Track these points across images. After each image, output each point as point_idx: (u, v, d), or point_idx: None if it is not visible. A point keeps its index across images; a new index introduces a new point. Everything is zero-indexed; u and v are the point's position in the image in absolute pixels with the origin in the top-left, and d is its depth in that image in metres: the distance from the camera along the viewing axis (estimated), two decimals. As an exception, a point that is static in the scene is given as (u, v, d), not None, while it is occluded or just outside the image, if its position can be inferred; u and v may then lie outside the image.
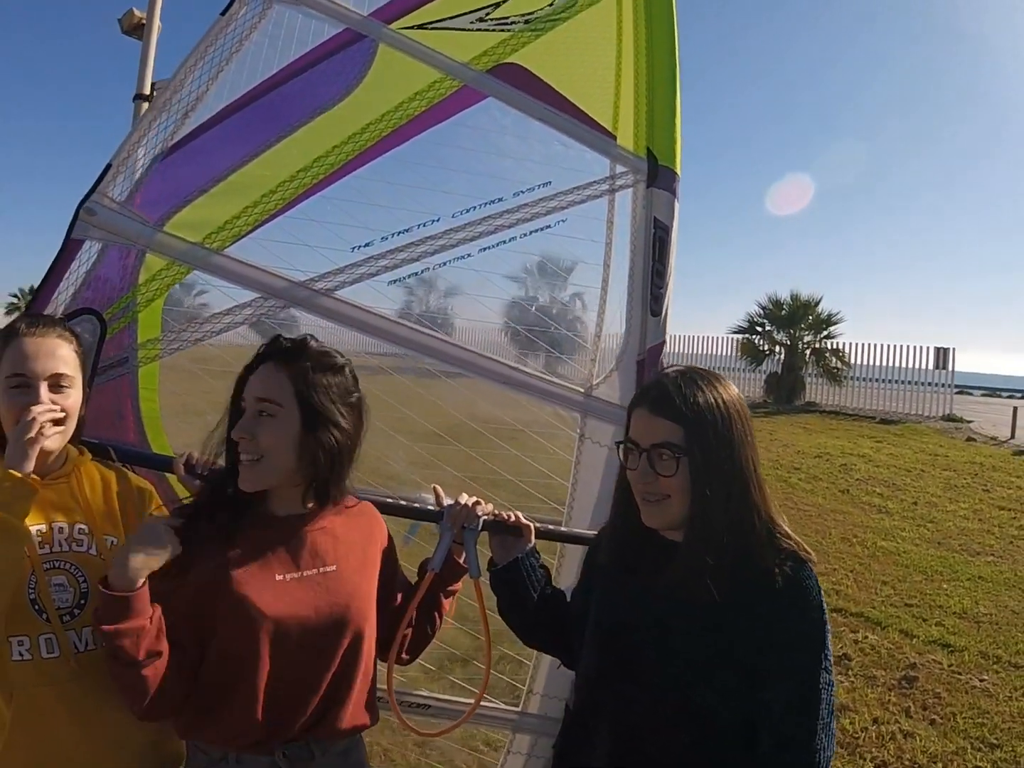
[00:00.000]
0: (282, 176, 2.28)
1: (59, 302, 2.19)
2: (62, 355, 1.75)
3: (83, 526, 1.76)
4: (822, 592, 1.52)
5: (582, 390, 2.39)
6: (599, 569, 1.76)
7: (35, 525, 1.68)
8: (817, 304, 21.62)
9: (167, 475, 2.11)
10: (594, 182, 2.45)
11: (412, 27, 2.42)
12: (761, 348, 22.00)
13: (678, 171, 2.44)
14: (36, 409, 1.63)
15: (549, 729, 2.37)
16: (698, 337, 23.83)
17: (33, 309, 2.21)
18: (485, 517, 1.91)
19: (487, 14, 2.48)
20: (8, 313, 52.52)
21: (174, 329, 2.23)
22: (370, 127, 2.34)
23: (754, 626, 1.47)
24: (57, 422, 1.70)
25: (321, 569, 1.70)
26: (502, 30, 2.48)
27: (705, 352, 23.09)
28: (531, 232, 2.38)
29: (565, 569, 2.38)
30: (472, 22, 2.47)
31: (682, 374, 1.57)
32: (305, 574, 1.68)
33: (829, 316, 21.65)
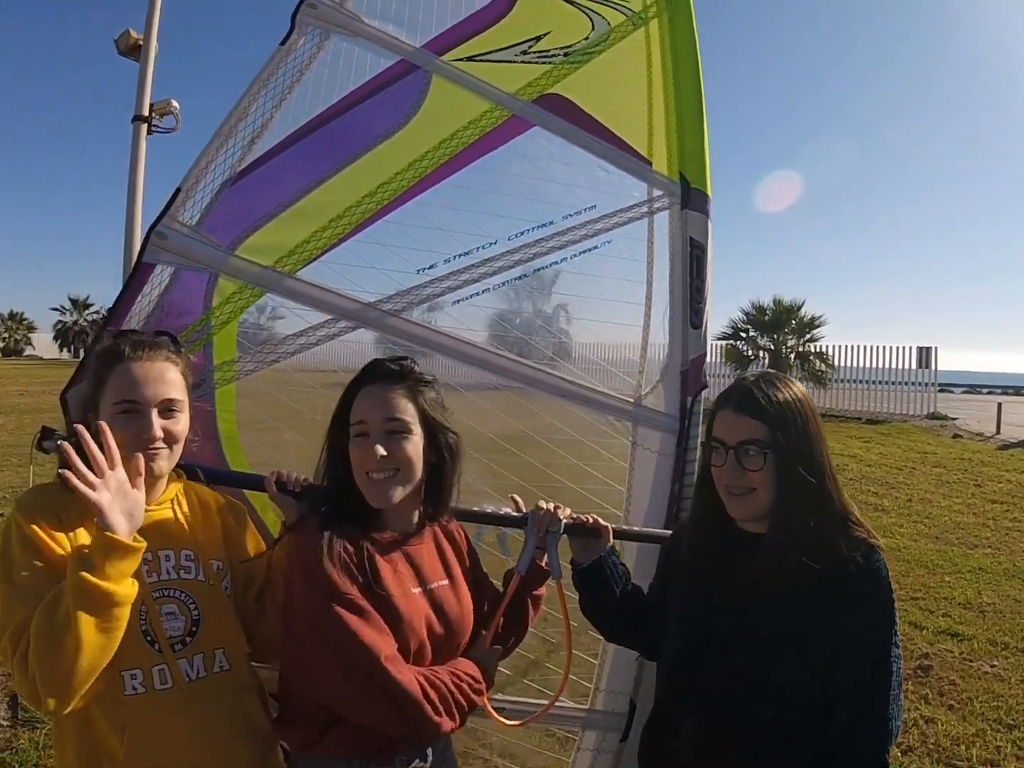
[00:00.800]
0: (348, 201, 2.37)
1: (132, 325, 2.23)
2: (171, 379, 1.73)
3: (189, 552, 1.75)
4: (889, 574, 1.71)
5: (632, 400, 2.55)
6: (678, 562, 1.90)
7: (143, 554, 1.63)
8: (800, 308, 21.96)
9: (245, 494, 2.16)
10: (634, 205, 2.62)
11: (462, 59, 2.55)
12: (745, 354, 22.26)
13: (709, 193, 2.64)
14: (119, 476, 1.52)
15: (615, 724, 2.52)
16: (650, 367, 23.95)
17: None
18: (566, 521, 2.03)
19: (530, 47, 2.63)
20: None
21: (249, 351, 2.28)
22: (428, 154, 2.45)
23: (829, 609, 1.64)
24: (165, 446, 1.69)
25: (438, 583, 1.80)
26: (544, 62, 2.63)
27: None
28: (580, 253, 2.53)
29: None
30: (516, 55, 2.61)
31: (760, 377, 1.75)
32: (427, 588, 1.77)
33: (812, 319, 21.98)
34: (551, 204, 2.53)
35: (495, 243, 2.46)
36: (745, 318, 22.40)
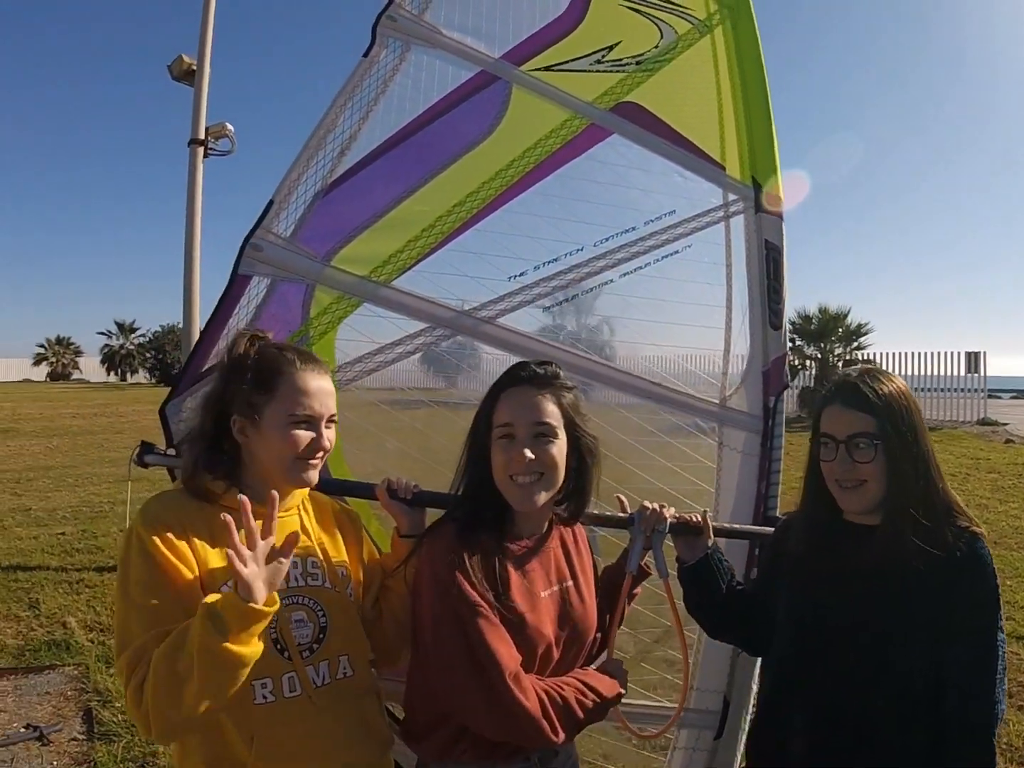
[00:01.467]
0: (439, 211, 2.38)
1: (230, 337, 2.22)
2: (332, 391, 1.76)
3: (315, 559, 1.75)
4: (993, 561, 1.75)
5: (717, 401, 2.58)
6: (786, 556, 1.93)
7: None
8: (846, 316, 21.51)
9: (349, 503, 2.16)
10: (711, 210, 2.66)
11: (539, 69, 2.59)
12: (792, 363, 21.74)
13: (782, 196, 2.68)
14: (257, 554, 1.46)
15: (709, 722, 2.53)
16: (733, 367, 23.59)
17: (203, 345, 2.22)
18: (671, 520, 2.06)
19: (603, 56, 2.67)
20: (36, 364, 50.14)
21: (348, 360, 2.28)
22: (513, 164, 2.48)
23: (939, 595, 1.68)
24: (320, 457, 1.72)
25: (564, 584, 1.80)
26: (618, 71, 2.67)
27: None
28: (663, 257, 2.56)
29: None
30: (591, 64, 2.65)
31: (864, 372, 1.80)
32: (555, 589, 1.78)
33: (859, 327, 21.54)
34: (633, 210, 2.56)
35: (582, 249, 2.48)
36: (791, 327, 22.03)
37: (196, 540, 1.59)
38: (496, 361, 2.37)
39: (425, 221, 2.37)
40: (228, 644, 1.38)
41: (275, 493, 1.55)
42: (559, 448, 1.71)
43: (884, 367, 21.35)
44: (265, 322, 2.23)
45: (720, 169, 2.69)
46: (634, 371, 2.50)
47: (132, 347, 49.05)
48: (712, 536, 2.06)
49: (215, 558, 1.60)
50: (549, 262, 2.45)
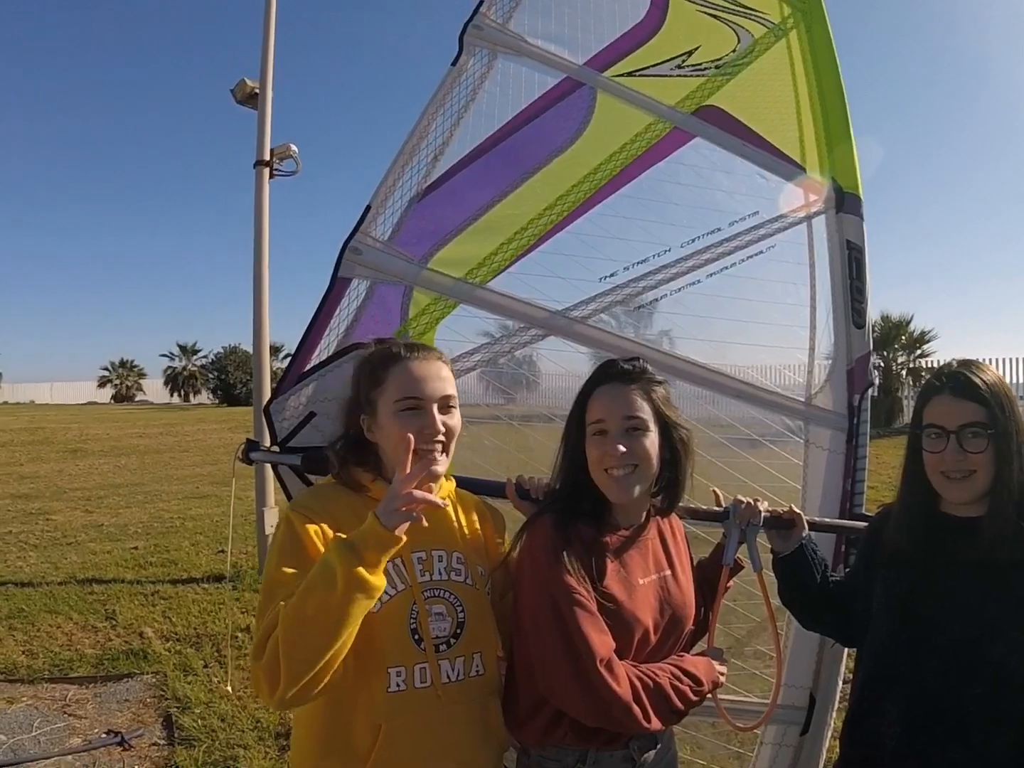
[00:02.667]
0: (531, 214, 2.43)
1: (331, 339, 2.27)
2: (447, 376, 1.79)
3: (460, 554, 1.77)
4: None
5: (803, 400, 2.60)
6: (882, 547, 1.94)
7: (417, 552, 1.70)
8: (909, 323, 21.14)
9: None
10: (793, 210, 2.69)
11: (622, 74, 2.63)
12: None
13: (861, 196, 2.70)
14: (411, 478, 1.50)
15: (796, 718, 2.53)
16: (791, 364, 23.12)
17: (304, 346, 2.28)
18: (765, 513, 2.08)
19: (683, 61, 2.71)
20: (101, 386, 50.87)
21: (450, 361, 2.32)
22: (601, 167, 2.52)
23: None
24: (444, 448, 1.74)
25: (662, 573, 1.84)
26: (698, 75, 2.71)
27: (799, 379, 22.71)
28: (748, 258, 2.59)
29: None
30: (672, 69, 2.70)
31: (965, 363, 1.80)
32: (653, 577, 1.81)
33: (922, 334, 21.12)
34: (717, 212, 2.59)
35: (669, 251, 2.52)
36: None
37: (343, 526, 1.62)
38: (554, 377, 2.43)
39: (517, 224, 2.42)
40: (360, 568, 1.42)
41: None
42: (651, 440, 1.76)
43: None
44: (365, 323, 2.29)
45: (801, 170, 2.72)
46: (722, 369, 2.53)
47: (194, 368, 49.48)
48: (806, 529, 2.08)
49: None
50: (638, 263, 2.49)
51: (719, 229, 2.58)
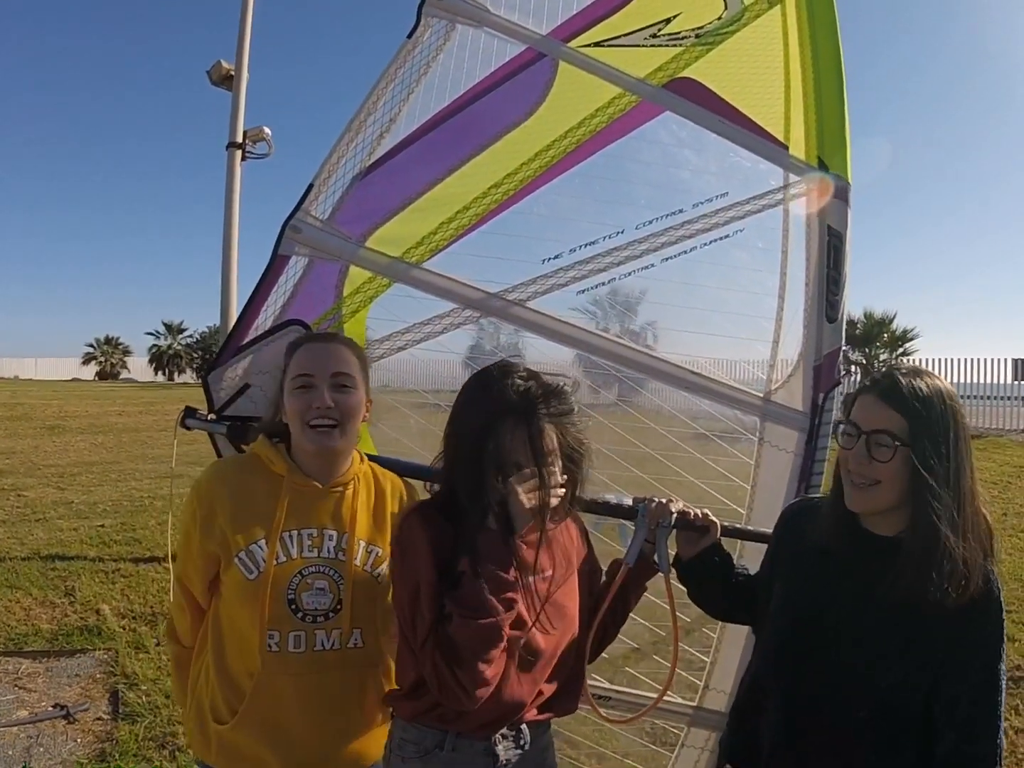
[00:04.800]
0: (475, 192, 2.37)
1: (268, 314, 2.32)
2: (345, 358, 1.86)
3: (352, 536, 1.84)
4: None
5: (761, 395, 2.45)
6: (784, 544, 1.85)
7: (307, 529, 1.79)
8: (891, 321, 21.32)
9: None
10: (769, 192, 2.50)
11: (589, 45, 2.50)
12: None
13: (849, 180, 2.48)
14: None
15: (722, 723, 2.44)
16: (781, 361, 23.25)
17: (244, 320, 2.34)
18: (676, 514, 1.98)
19: (659, 30, 2.55)
20: (85, 363, 51.25)
21: (377, 338, 2.34)
22: (555, 143, 2.42)
23: (944, 621, 1.54)
24: (339, 425, 1.80)
25: (549, 571, 1.79)
26: (674, 45, 2.54)
27: (782, 375, 22.67)
28: (711, 242, 2.44)
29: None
30: (645, 38, 2.54)
31: (913, 371, 1.65)
32: (533, 576, 1.75)
33: (904, 332, 21.28)
34: (681, 192, 2.45)
35: (622, 232, 2.40)
36: None
37: (241, 495, 1.82)
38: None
39: (460, 203, 2.37)
40: None
41: None
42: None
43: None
44: (300, 299, 2.32)
45: (783, 149, 2.52)
46: (671, 359, 2.41)
47: (180, 347, 49.59)
48: (718, 536, 1.98)
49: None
50: (586, 245, 2.39)
51: (681, 210, 2.44)
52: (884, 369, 1.70)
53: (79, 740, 3.84)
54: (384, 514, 1.93)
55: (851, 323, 21.33)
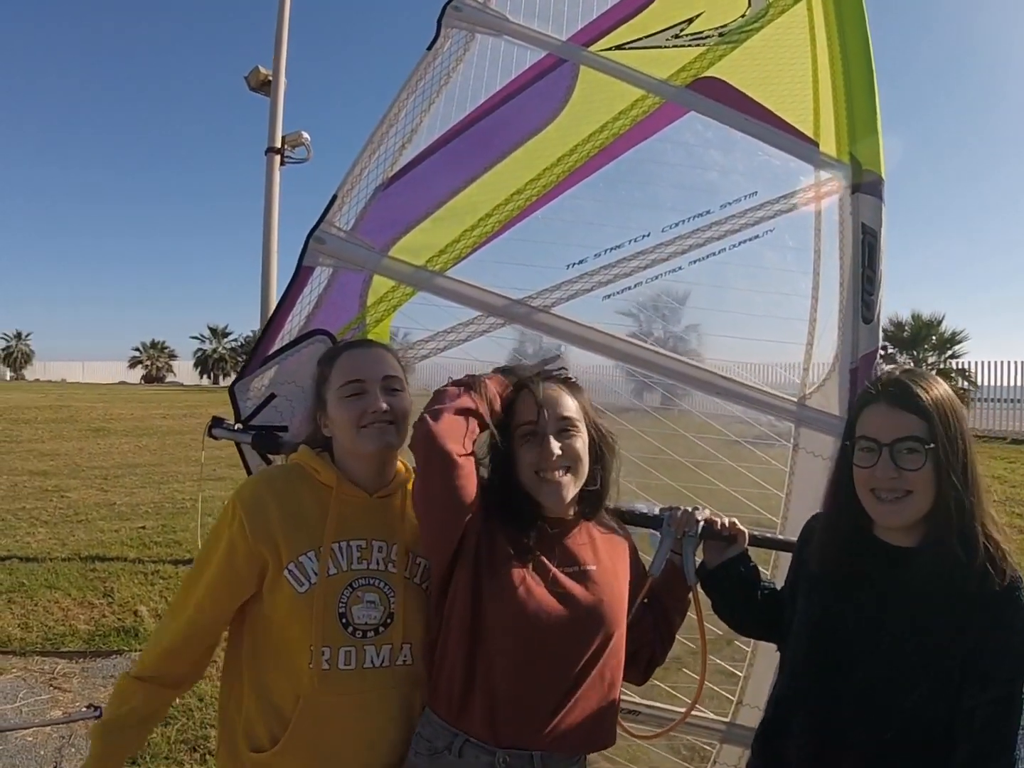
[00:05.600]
0: (497, 200, 2.36)
1: (294, 324, 2.33)
2: (390, 361, 1.84)
3: (402, 546, 1.80)
4: None
5: (795, 400, 2.37)
6: (806, 562, 1.75)
7: (356, 540, 1.74)
8: (940, 323, 20.72)
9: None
10: (799, 190, 2.43)
11: (610, 48, 2.48)
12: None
13: (883, 175, 2.40)
14: None
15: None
16: (819, 363, 22.71)
17: (270, 330, 2.36)
18: (703, 523, 1.92)
19: (681, 30, 2.52)
20: (131, 367, 52.86)
21: (401, 347, 2.33)
22: (578, 148, 2.40)
23: (964, 633, 1.46)
24: (391, 421, 1.77)
25: (583, 567, 1.74)
26: (698, 45, 2.50)
27: (827, 378, 22.17)
28: (740, 243, 2.38)
29: (779, 577, 2.36)
30: (668, 39, 2.51)
31: (909, 371, 1.58)
32: (570, 569, 1.73)
33: (953, 335, 20.72)
34: (708, 193, 2.40)
35: (648, 235, 2.36)
36: (883, 334, 20.75)
37: (288, 503, 1.76)
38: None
39: (482, 210, 2.36)
40: None
41: None
42: (583, 442, 1.74)
43: (979, 377, 19.58)
44: (326, 309, 2.33)
45: (813, 146, 2.45)
46: (701, 364, 2.35)
47: (224, 351, 50.36)
48: (745, 545, 1.91)
49: None
50: (611, 249, 2.35)
51: (708, 212, 2.39)
52: (882, 377, 1.62)
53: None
54: None
55: (898, 325, 20.94)
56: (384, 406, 1.75)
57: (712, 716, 2.40)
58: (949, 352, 20.80)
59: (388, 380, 1.79)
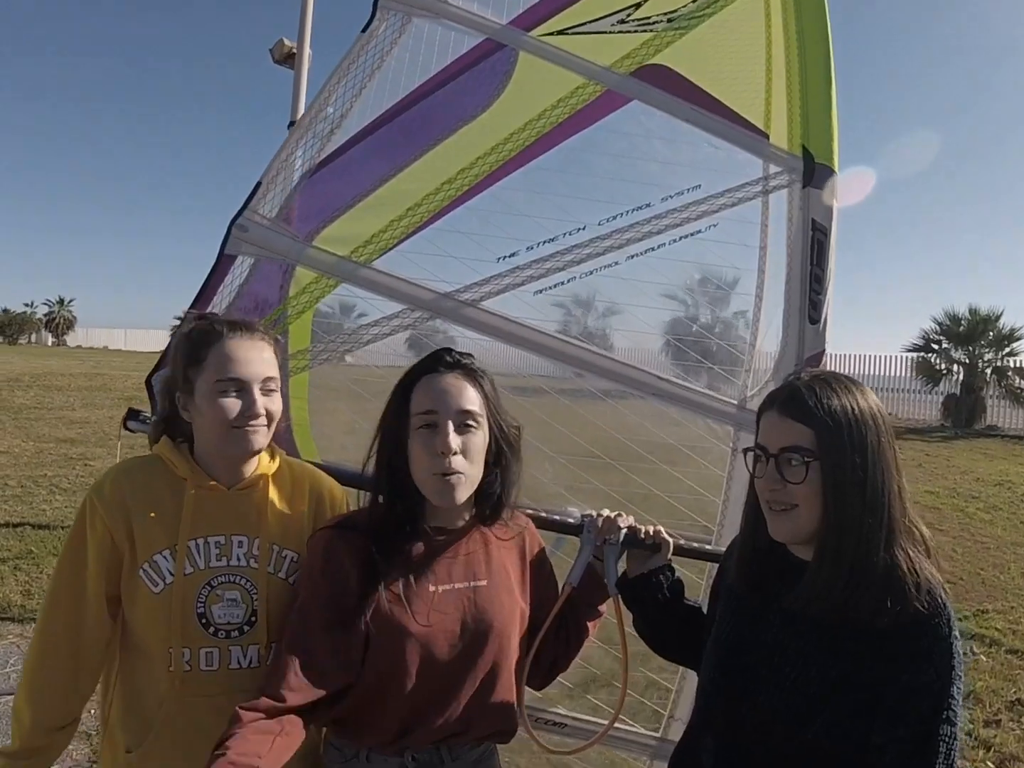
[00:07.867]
0: (427, 189, 2.26)
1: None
2: (268, 358, 1.72)
3: (264, 541, 1.72)
4: (958, 639, 1.35)
5: (735, 402, 2.26)
6: (725, 583, 1.66)
7: (215, 536, 1.67)
8: (998, 319, 19.88)
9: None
10: (746, 184, 2.32)
11: (552, 33, 2.38)
12: (938, 367, 20.26)
13: (836, 168, 2.29)
14: None
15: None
16: (870, 356, 22.07)
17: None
18: (626, 530, 1.82)
19: (628, 15, 2.41)
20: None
21: (323, 340, 2.24)
22: (513, 136, 2.30)
23: (875, 658, 1.34)
24: (265, 424, 1.69)
25: (472, 583, 1.65)
26: (644, 31, 2.40)
27: (877, 372, 21.56)
28: (681, 238, 2.28)
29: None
30: (613, 24, 2.40)
31: (815, 377, 1.46)
32: (457, 586, 1.63)
33: (1011, 331, 19.86)
34: (649, 185, 2.29)
35: (583, 229, 2.26)
36: (938, 328, 20.23)
37: (149, 498, 1.68)
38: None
39: (411, 200, 2.26)
40: None
41: None
42: (483, 438, 1.61)
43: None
44: (245, 300, 2.24)
45: (763, 138, 2.34)
46: (636, 363, 2.25)
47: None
48: (669, 555, 1.81)
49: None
50: (544, 242, 2.25)
51: (648, 205, 2.28)
52: (786, 381, 1.51)
53: (94, 710, 3.81)
54: (298, 515, 1.79)
55: (954, 319, 20.06)
56: (261, 410, 1.66)
57: (643, 731, 2.30)
58: (1007, 349, 19.94)
59: (267, 381, 1.70)
